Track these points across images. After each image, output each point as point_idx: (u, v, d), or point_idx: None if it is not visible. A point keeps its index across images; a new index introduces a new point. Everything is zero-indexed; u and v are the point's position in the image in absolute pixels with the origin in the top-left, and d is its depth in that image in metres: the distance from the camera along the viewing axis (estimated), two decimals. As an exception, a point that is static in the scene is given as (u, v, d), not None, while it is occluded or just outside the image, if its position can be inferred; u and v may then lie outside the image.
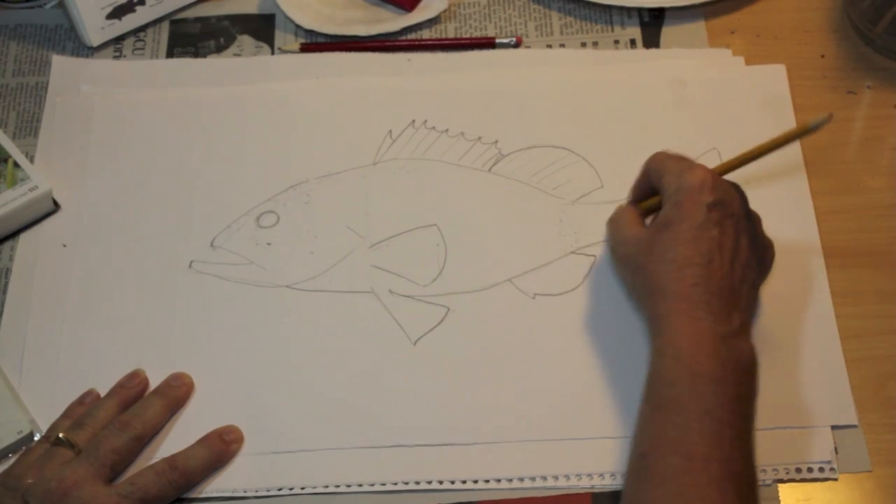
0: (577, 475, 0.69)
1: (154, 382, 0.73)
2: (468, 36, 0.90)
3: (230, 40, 0.91)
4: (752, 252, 0.68)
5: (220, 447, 0.70)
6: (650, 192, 0.73)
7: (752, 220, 0.70)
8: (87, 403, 0.72)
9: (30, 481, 0.66)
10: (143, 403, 0.71)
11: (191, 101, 0.87)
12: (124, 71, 0.89)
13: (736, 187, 0.69)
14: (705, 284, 0.65)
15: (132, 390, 0.72)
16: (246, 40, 0.91)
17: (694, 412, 0.61)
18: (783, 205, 0.78)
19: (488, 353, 0.74)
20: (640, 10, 0.90)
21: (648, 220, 0.73)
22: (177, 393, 0.72)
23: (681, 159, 0.70)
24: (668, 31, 0.89)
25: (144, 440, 0.70)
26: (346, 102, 0.86)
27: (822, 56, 0.88)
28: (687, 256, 0.66)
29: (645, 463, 0.62)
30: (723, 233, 0.66)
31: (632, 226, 0.72)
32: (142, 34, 0.91)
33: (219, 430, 0.71)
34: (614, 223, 0.74)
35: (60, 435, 0.69)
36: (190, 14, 0.92)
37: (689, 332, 0.64)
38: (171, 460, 0.69)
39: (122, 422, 0.70)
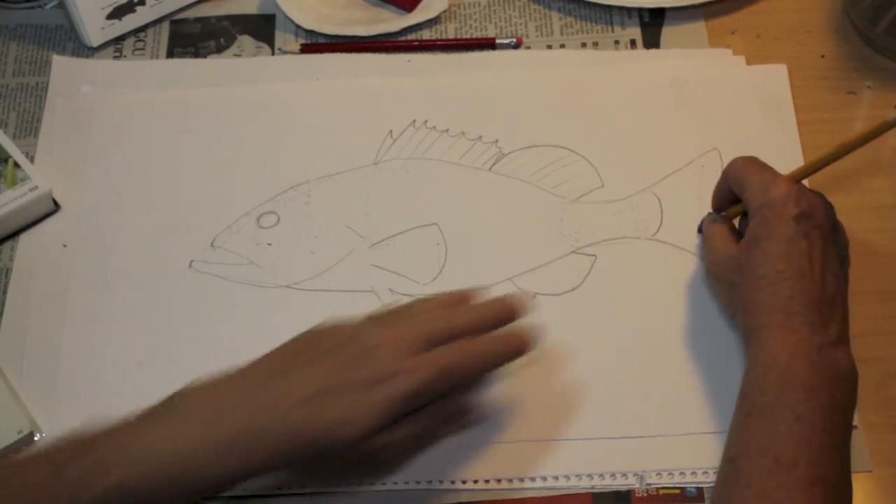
0: (577, 475, 0.69)
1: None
2: (468, 36, 0.90)
3: (230, 40, 0.91)
4: (840, 262, 0.68)
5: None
6: (731, 197, 0.73)
7: (838, 231, 0.69)
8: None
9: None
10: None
11: (191, 101, 0.86)
12: (124, 71, 0.89)
13: (821, 198, 0.69)
14: (800, 297, 0.64)
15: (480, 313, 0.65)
16: (246, 40, 0.91)
17: (784, 417, 0.61)
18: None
19: (488, 352, 0.74)
20: (640, 11, 0.90)
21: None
22: (508, 347, 0.65)
23: (761, 170, 0.70)
24: (668, 32, 0.89)
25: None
26: (346, 103, 0.86)
27: (823, 56, 0.88)
28: (779, 270, 0.65)
29: (733, 467, 0.61)
30: (811, 244, 0.66)
31: (724, 243, 0.71)
32: (142, 34, 0.91)
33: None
34: (709, 241, 0.73)
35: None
36: (190, 14, 0.92)
37: (784, 342, 0.63)
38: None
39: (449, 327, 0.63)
